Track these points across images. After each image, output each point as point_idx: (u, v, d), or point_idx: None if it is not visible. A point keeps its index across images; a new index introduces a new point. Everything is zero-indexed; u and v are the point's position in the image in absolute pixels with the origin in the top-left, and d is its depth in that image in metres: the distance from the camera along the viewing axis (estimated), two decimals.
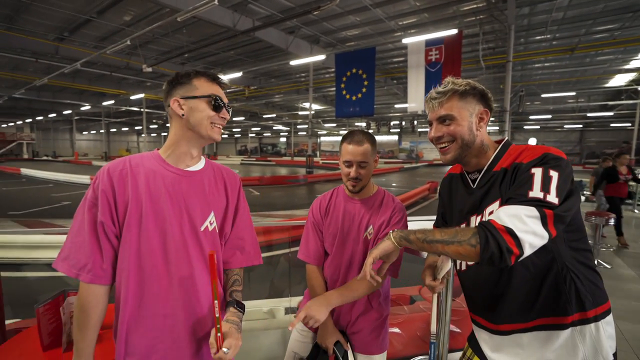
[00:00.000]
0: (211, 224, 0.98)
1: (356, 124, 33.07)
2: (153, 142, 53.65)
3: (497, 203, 0.89)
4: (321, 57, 11.20)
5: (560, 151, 0.84)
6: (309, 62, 12.68)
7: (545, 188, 0.76)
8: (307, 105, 15.17)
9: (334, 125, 34.86)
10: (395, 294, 2.08)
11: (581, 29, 11.43)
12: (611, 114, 23.54)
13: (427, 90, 8.63)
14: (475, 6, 9.55)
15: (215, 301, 0.83)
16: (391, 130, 35.21)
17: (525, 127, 32.64)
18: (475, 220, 0.97)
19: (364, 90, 10.39)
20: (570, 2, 9.11)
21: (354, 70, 10.54)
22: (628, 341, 2.46)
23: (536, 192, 0.76)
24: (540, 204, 0.74)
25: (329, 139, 46.11)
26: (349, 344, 1.24)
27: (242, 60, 15.93)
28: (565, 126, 31.45)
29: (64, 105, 24.67)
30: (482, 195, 0.94)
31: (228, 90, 21.24)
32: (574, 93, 18.94)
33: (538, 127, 32.63)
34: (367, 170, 1.23)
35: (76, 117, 31.00)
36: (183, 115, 0.94)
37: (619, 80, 17.92)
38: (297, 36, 11.96)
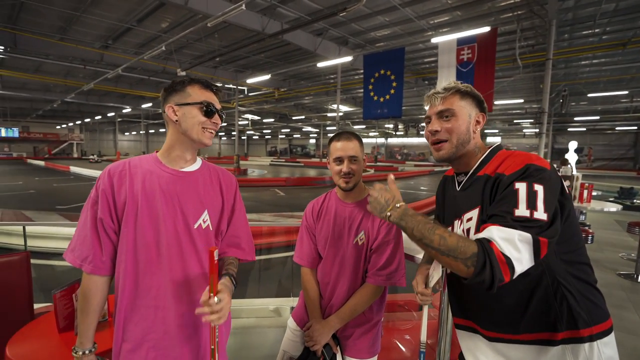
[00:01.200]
0: (204, 222, 1.02)
1: (385, 125, 32.60)
2: None
3: (476, 211, 0.87)
4: (348, 58, 11.16)
5: (544, 160, 0.82)
6: (337, 64, 12.67)
7: (532, 204, 0.73)
8: (335, 107, 15.21)
9: (363, 127, 34.61)
10: (404, 299, 2.01)
11: (636, 21, 10.47)
12: None
13: None
14: (512, 1, 9.06)
15: (212, 295, 0.86)
16: (420, 133, 34.25)
17: (569, 129, 30.47)
18: (457, 225, 0.96)
19: (392, 91, 10.20)
20: None
21: (382, 72, 10.37)
22: None
23: (522, 210, 0.73)
24: (530, 225, 0.72)
25: None
26: (338, 347, 1.23)
27: (271, 63, 16.26)
28: (617, 128, 28.91)
29: (108, 108, 26.62)
30: (464, 198, 0.94)
31: (259, 92, 21.83)
32: (627, 92, 17.41)
33: (584, 129, 30.29)
34: (358, 166, 1.24)
35: (119, 119, 33.25)
36: (177, 120, 1.00)
37: None
38: (325, 38, 12.00)
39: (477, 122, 0.97)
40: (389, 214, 0.87)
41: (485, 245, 0.72)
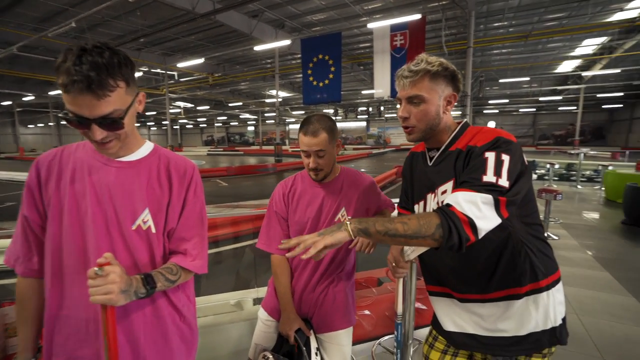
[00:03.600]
0: (145, 222, 0.85)
1: (324, 110, 32.97)
2: None
3: (450, 183, 0.91)
4: (286, 42, 10.95)
5: (511, 134, 0.88)
6: (274, 48, 12.34)
7: (498, 172, 0.79)
8: (274, 92, 14.83)
9: (303, 112, 34.55)
10: (363, 277, 2.13)
11: (534, 17, 12.05)
12: (560, 98, 25.30)
13: (392, 76, 8.72)
14: None
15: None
16: (359, 117, 35.57)
17: (485, 111, 34.25)
18: (431, 199, 0.99)
19: (330, 76, 10.33)
20: None
21: (320, 56, 10.41)
22: (571, 303, 2.71)
23: (489, 177, 0.79)
24: (493, 189, 0.78)
25: (297, 127, 45.68)
26: (311, 330, 1.23)
27: (203, 46, 15.21)
28: (520, 110, 33.42)
29: (2, 95, 22.34)
30: (437, 173, 0.97)
31: (191, 78, 20.27)
32: (528, 78, 20.07)
33: (497, 111, 34.38)
34: (326, 159, 1.21)
35: (18, 109, 28.24)
36: None
37: (566, 67, 19.24)
38: (261, 20, 11.57)
39: (448, 103, 0.97)
40: (348, 223, 0.81)
41: (446, 210, 0.77)
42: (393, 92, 7.14)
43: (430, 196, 0.99)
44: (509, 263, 0.90)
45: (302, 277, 1.28)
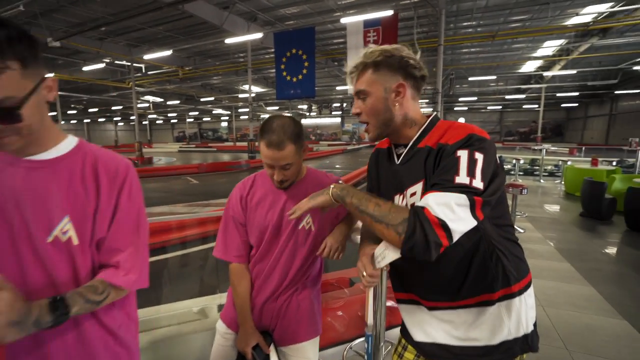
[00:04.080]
0: (64, 233, 0.71)
1: (299, 106, 32.78)
2: (73, 130, 47.29)
3: (420, 185, 0.84)
4: (258, 35, 10.68)
5: (484, 131, 0.81)
6: (246, 41, 12.01)
7: (471, 172, 0.73)
8: (247, 87, 14.47)
9: (277, 107, 34.13)
10: (334, 277, 2.07)
11: (500, 17, 12.51)
12: (523, 96, 26.62)
13: None
14: None
15: None
16: (333, 113, 35.67)
17: (455, 108, 35.43)
18: (399, 201, 0.92)
19: (304, 71, 10.20)
20: None
21: (293, 51, 10.24)
22: (537, 295, 2.81)
23: (462, 178, 0.73)
24: (468, 191, 0.72)
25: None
26: (272, 346, 1.11)
27: (172, 37, 14.51)
28: (488, 107, 34.90)
29: None
30: (405, 172, 0.89)
31: (160, 71, 19.36)
32: (494, 77, 20.91)
33: (466, 108, 35.68)
34: (292, 171, 1.08)
35: None
36: None
37: (529, 67, 20.23)
38: (232, 12, 11.18)
39: (397, 94, 0.87)
40: (332, 186, 0.88)
41: (418, 209, 0.71)
42: None
43: (398, 197, 0.92)
44: (480, 268, 0.84)
45: (265, 287, 1.16)
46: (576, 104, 31.61)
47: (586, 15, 11.65)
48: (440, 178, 0.75)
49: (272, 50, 11.29)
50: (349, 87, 0.94)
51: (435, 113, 0.94)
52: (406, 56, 0.87)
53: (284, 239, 1.14)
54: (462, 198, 0.71)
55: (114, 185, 0.77)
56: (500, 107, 34.59)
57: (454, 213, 0.70)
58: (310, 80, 10.20)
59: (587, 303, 2.64)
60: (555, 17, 12.10)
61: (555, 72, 17.93)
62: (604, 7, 11.01)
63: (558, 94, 26.07)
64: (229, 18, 11.11)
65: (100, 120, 46.82)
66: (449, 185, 0.73)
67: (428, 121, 0.91)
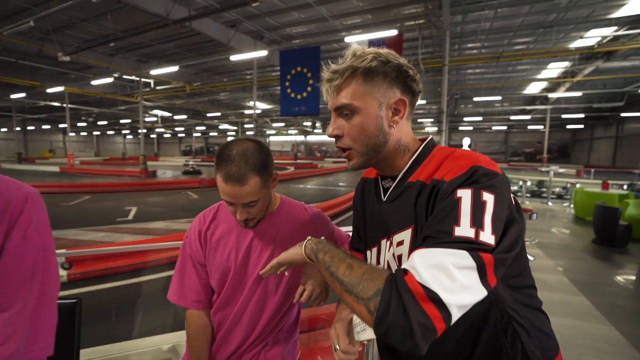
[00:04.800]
0: None
1: (304, 123, 33.01)
2: (83, 142, 48.08)
3: (408, 232, 0.64)
4: (263, 52, 10.82)
5: (492, 161, 0.60)
6: (252, 58, 12.17)
7: (477, 221, 0.52)
8: (252, 103, 14.64)
9: (283, 124, 34.40)
10: (326, 312, 1.86)
11: (504, 40, 12.59)
12: (528, 117, 26.54)
13: None
14: (414, 10, 9.93)
15: None
16: None
17: (460, 127, 35.43)
18: (386, 247, 0.71)
19: (309, 89, 10.25)
20: (496, 14, 9.92)
21: (298, 69, 10.34)
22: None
23: (465, 229, 0.51)
24: (473, 247, 0.50)
25: (278, 139, 45.54)
26: None
27: (180, 54, 14.80)
28: (493, 127, 34.84)
29: None
30: (391, 213, 0.70)
31: (168, 87, 19.69)
32: (499, 97, 20.90)
33: (471, 127, 35.66)
34: (258, 207, 0.89)
35: None
36: None
37: (534, 88, 20.25)
38: (239, 30, 11.39)
39: (394, 112, 0.68)
40: (306, 240, 0.74)
41: (397, 276, 0.50)
42: None
43: (385, 243, 0.72)
44: (490, 347, 0.62)
45: (227, 341, 0.97)
46: (582, 126, 31.44)
47: (590, 38, 11.66)
48: (434, 229, 0.54)
49: (278, 67, 11.40)
50: (327, 100, 0.71)
51: (430, 137, 0.74)
52: (404, 65, 0.68)
53: (251, 284, 0.95)
54: (465, 257, 0.49)
55: (1, 222, 0.60)
56: (505, 127, 34.53)
57: (452, 279, 0.48)
58: (315, 98, 10.22)
59: (609, 347, 2.38)
60: (559, 40, 12.14)
61: (560, 93, 17.87)
62: (608, 31, 11.02)
63: (563, 115, 25.95)
64: (235, 36, 11.30)
65: (109, 133, 47.56)
66: (445, 240, 0.51)
67: (421, 147, 0.70)
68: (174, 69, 12.76)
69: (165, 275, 3.82)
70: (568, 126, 32.02)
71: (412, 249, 0.61)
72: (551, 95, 19.71)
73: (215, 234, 0.98)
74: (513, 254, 0.54)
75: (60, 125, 36.64)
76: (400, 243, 0.66)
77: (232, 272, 0.95)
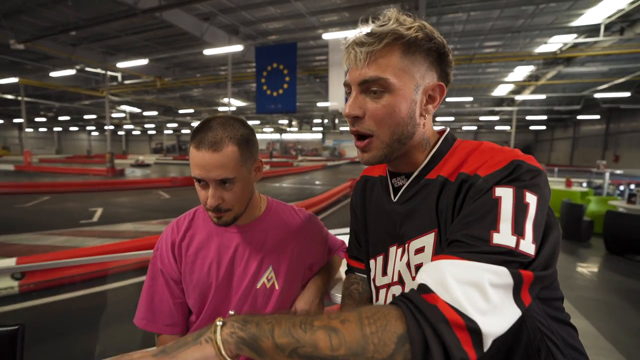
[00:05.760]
0: None
1: (280, 121, 32.70)
2: (42, 139, 44.82)
3: (431, 237, 0.54)
4: (238, 47, 10.53)
5: (531, 156, 0.52)
6: (227, 54, 11.82)
7: (519, 228, 0.43)
8: (227, 100, 14.21)
9: (258, 122, 33.87)
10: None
11: (476, 42, 13.05)
12: (497, 118, 27.81)
13: None
14: (392, 11, 10.04)
15: None
16: (314, 129, 35.84)
17: (433, 127, 36.56)
18: (396, 255, 0.60)
19: (285, 86, 10.10)
20: (468, 17, 10.24)
21: (274, 65, 10.17)
22: None
23: (504, 236, 0.43)
24: (511, 260, 0.42)
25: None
26: None
27: (150, 47, 14.09)
28: (464, 127, 36.21)
29: None
30: (406, 215, 0.59)
31: (137, 81, 18.74)
32: (471, 99, 21.70)
33: (443, 127, 36.86)
34: (236, 192, 0.73)
35: None
36: None
37: (502, 90, 21.21)
38: (213, 24, 10.99)
39: (429, 99, 0.58)
40: (219, 325, 0.45)
41: (419, 303, 0.40)
42: None
43: (395, 251, 0.62)
44: None
45: None
46: (544, 127, 33.43)
47: (553, 44, 12.34)
48: (465, 233, 0.45)
49: (254, 63, 11.16)
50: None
51: (449, 129, 0.64)
52: (446, 44, 0.58)
53: (236, 302, 0.82)
54: (503, 274, 0.41)
55: None
56: (475, 127, 36.00)
57: (488, 300, 0.40)
58: (291, 95, 10.09)
59: (586, 341, 2.45)
60: (525, 45, 12.75)
61: (526, 96, 18.82)
62: (569, 39, 11.71)
63: (528, 117, 27.42)
64: (209, 30, 10.90)
65: (72, 129, 44.70)
66: (480, 249, 0.43)
67: (441, 140, 0.62)
68: (143, 62, 12.15)
69: (133, 282, 3.56)
70: (531, 127, 33.92)
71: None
72: (517, 97, 20.74)
73: (192, 245, 0.83)
74: (552, 269, 0.47)
75: (16, 120, 33.91)
76: (419, 250, 0.56)
77: (213, 289, 0.81)
